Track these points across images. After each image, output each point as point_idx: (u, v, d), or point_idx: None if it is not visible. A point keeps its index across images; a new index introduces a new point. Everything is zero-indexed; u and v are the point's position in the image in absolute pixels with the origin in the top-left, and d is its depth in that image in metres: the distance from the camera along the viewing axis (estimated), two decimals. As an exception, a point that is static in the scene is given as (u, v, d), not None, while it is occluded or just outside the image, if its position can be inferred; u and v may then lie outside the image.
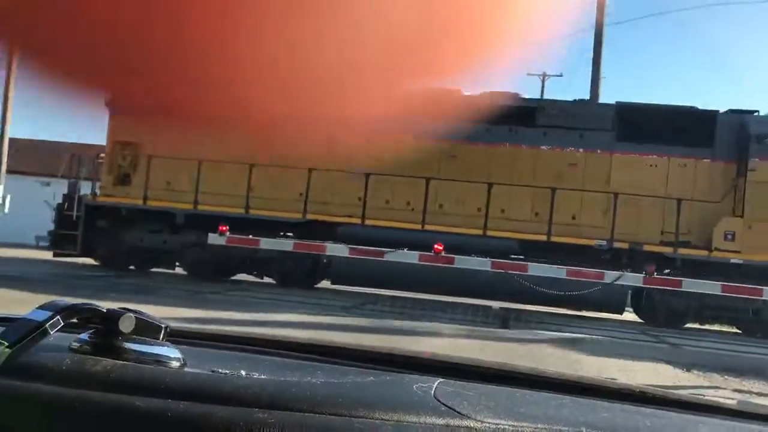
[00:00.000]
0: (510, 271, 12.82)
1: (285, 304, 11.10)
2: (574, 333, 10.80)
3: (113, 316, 0.92)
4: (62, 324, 0.88)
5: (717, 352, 10.29)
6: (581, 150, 13.43)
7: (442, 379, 1.14)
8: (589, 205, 13.25)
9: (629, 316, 14.41)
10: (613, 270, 12.77)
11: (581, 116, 13.49)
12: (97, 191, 15.10)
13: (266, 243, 13.64)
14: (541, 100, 14.25)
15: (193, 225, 14.06)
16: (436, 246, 12.91)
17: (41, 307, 0.91)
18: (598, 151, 13.35)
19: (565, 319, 13.13)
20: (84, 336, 0.96)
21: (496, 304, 14.52)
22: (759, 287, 12.25)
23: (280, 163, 13.28)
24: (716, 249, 12.65)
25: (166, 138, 14.42)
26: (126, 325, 0.92)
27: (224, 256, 13.92)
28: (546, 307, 14.19)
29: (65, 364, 0.88)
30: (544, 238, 13.11)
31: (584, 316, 14.10)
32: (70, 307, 0.90)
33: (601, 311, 13.64)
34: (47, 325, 0.87)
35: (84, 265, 14.72)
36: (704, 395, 6.57)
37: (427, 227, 13.34)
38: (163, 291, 11.39)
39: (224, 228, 13.52)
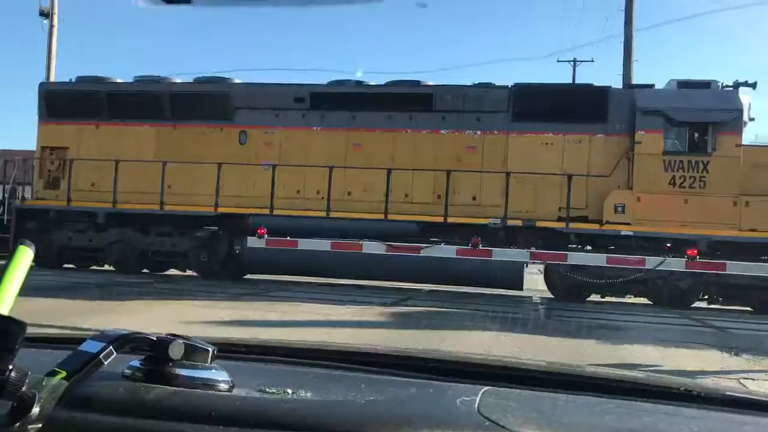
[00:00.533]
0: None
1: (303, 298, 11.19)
2: (614, 321, 10.69)
3: (163, 343, 0.95)
4: (115, 354, 0.92)
5: (766, 335, 10.08)
6: (479, 132, 13.85)
7: (486, 388, 1.15)
8: (487, 186, 13.65)
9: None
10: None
11: (478, 100, 13.84)
12: (27, 195, 16.12)
13: (304, 244, 13.75)
14: (439, 86, 14.35)
15: (115, 223, 14.99)
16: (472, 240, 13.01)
17: (94, 338, 0.95)
18: (495, 132, 13.74)
19: (607, 307, 12.99)
20: (136, 363, 1.00)
21: (536, 295, 14.44)
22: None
23: (192, 160, 14.28)
24: (607, 222, 13.08)
25: (89, 142, 15.16)
26: (176, 351, 0.95)
27: (147, 251, 14.99)
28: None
29: (120, 393, 0.92)
30: (441, 219, 13.47)
31: (623, 303, 13.92)
32: (121, 337, 0.93)
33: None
34: (101, 356, 0.90)
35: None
36: (755, 379, 6.47)
37: (333, 214, 13.80)
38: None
39: (263, 231, 13.65)
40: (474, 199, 13.68)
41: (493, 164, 13.65)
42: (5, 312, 0.83)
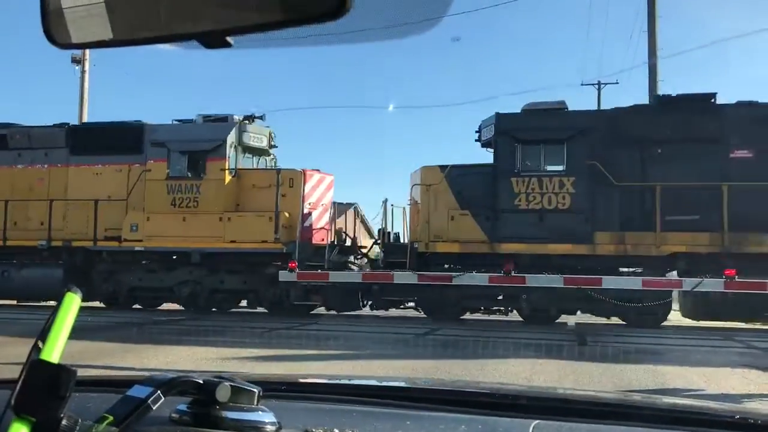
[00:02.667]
0: None
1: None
2: (652, 344, 10.48)
3: (209, 386, 0.95)
4: (163, 399, 0.92)
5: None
6: (46, 166, 16.16)
7: (536, 422, 1.13)
8: (55, 212, 15.80)
9: (711, 322, 13.88)
10: None
11: (44, 137, 16.18)
12: None
13: (335, 276, 13.82)
14: (11, 126, 16.63)
15: None
16: None
17: (142, 383, 0.95)
18: (59, 165, 16.02)
19: (643, 331, 12.75)
20: (183, 406, 0.99)
21: (572, 320, 14.24)
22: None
23: None
24: (125, 239, 15.26)
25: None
26: (222, 394, 0.95)
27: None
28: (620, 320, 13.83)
29: None
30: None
31: (663, 326, 13.66)
32: (169, 382, 0.93)
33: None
34: (149, 402, 0.90)
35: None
36: (802, 401, 6.28)
37: None
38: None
39: (294, 264, 13.75)
40: (42, 224, 15.78)
41: (57, 193, 15.90)
42: (56, 359, 0.83)
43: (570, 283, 12.91)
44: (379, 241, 15.36)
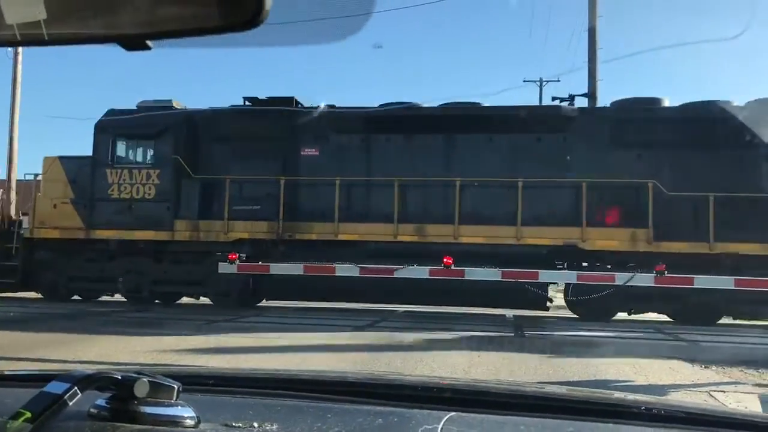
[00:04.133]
0: None
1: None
2: (589, 337, 10.78)
3: (128, 381, 0.96)
4: (80, 395, 0.93)
5: (735, 346, 10.24)
6: None
7: (450, 415, 1.17)
8: None
9: (647, 315, 14.36)
10: None
11: None
12: None
13: (275, 268, 13.78)
14: None
15: None
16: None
17: (59, 379, 0.95)
18: None
19: (580, 323, 13.10)
20: (101, 401, 1.00)
21: (510, 313, 14.52)
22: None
23: None
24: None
25: None
26: (141, 389, 0.96)
27: None
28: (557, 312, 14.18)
29: None
30: None
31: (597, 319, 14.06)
32: (86, 378, 0.94)
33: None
34: (66, 397, 0.91)
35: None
36: (725, 392, 6.57)
37: None
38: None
39: (234, 256, 13.64)
40: None
41: None
42: None
43: (508, 277, 13.16)
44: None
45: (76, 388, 0.92)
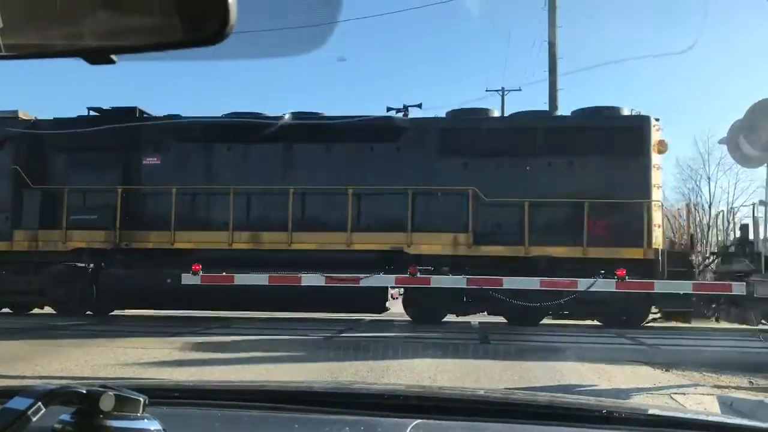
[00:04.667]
0: None
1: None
2: (553, 342, 10.90)
3: (93, 395, 0.95)
4: (44, 410, 0.91)
5: (694, 349, 10.45)
6: None
7: (415, 422, 1.19)
8: None
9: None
10: None
11: None
12: None
13: (240, 279, 13.67)
14: None
15: None
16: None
17: (22, 394, 0.94)
18: None
19: (544, 329, 13.25)
20: (66, 416, 0.99)
21: (474, 320, 14.62)
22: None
23: None
24: None
25: None
26: (106, 403, 0.95)
27: None
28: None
29: None
30: None
31: (562, 325, 14.23)
32: (49, 393, 0.93)
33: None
34: (29, 413, 0.90)
35: None
36: (685, 394, 6.71)
37: None
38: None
39: (197, 267, 13.50)
40: None
41: None
42: None
43: (473, 284, 13.28)
44: None
45: (39, 403, 0.91)
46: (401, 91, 69.48)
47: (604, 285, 13.03)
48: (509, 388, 6.62)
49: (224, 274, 13.78)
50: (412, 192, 13.78)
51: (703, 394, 6.66)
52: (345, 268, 13.47)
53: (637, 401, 6.06)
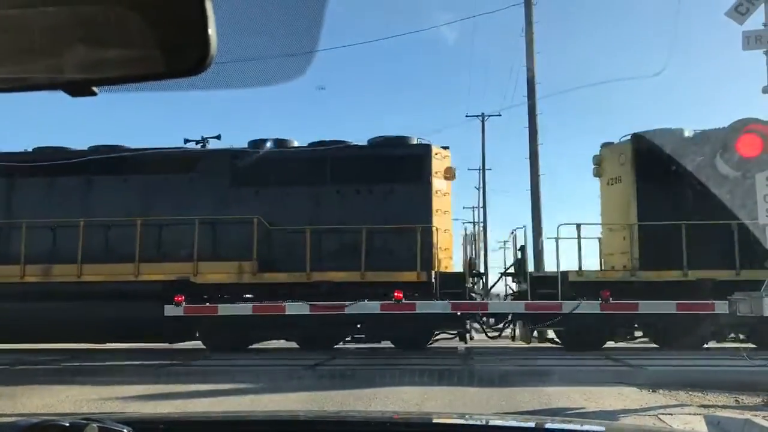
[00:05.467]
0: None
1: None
2: (539, 366, 10.88)
3: (76, 428, 0.94)
4: None
5: (680, 369, 10.48)
6: None
7: None
8: None
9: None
10: None
11: None
12: None
13: (224, 309, 13.57)
14: None
15: None
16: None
17: (4, 429, 0.93)
18: None
19: (530, 352, 13.23)
20: None
21: (461, 345, 14.57)
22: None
23: None
24: None
25: None
26: None
27: None
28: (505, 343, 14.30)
29: None
30: None
31: (547, 348, 14.24)
32: (32, 427, 0.92)
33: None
34: None
35: None
36: (672, 414, 6.71)
37: None
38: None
39: (180, 298, 13.39)
40: None
41: None
42: None
43: (455, 309, 13.30)
44: None
45: None
46: (380, 116, 69.93)
47: (591, 307, 13.07)
48: (497, 413, 6.60)
49: (208, 304, 13.69)
50: (199, 221, 13.96)
51: (690, 414, 6.67)
52: (132, 299, 13.54)
53: (626, 423, 6.05)
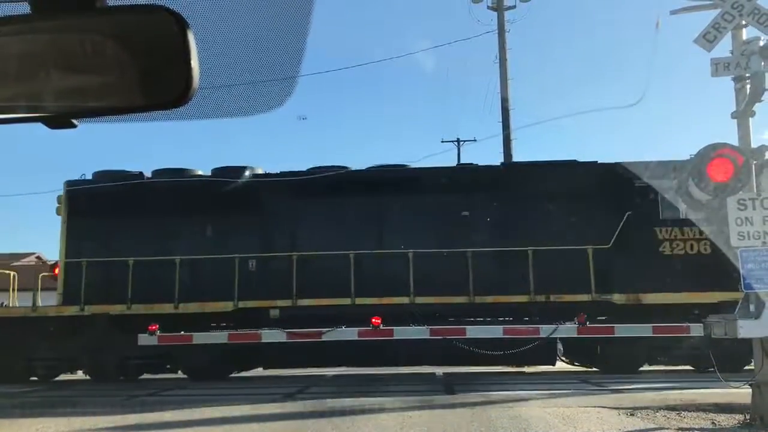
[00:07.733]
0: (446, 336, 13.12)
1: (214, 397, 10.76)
2: (518, 390, 10.87)
3: None
4: None
5: (656, 392, 10.52)
6: None
7: None
8: None
9: (568, 366, 14.61)
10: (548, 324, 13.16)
11: None
12: None
13: (199, 338, 13.40)
14: None
15: None
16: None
17: None
18: None
19: (508, 377, 13.22)
20: None
21: (439, 371, 14.52)
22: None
23: None
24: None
25: None
26: None
27: None
28: (486, 367, 14.29)
29: None
30: None
31: (526, 372, 14.25)
32: None
33: (536, 365, 14.46)
34: None
35: None
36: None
37: None
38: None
39: (154, 327, 13.21)
40: None
41: None
42: None
43: (435, 334, 13.22)
44: None
45: None
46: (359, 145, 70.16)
47: (566, 331, 13.10)
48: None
49: (182, 333, 13.51)
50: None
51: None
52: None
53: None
